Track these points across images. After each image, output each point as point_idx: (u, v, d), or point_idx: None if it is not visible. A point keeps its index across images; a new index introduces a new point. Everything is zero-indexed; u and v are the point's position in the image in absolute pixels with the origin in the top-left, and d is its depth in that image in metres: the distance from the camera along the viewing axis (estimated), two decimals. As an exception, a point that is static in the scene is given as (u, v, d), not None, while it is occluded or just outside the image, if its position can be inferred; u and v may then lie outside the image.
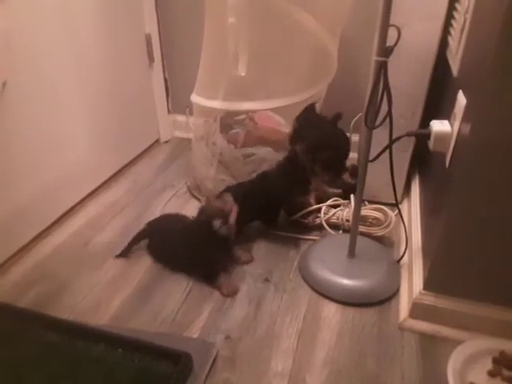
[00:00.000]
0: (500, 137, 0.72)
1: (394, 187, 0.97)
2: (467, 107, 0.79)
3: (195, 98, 1.29)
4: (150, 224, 1.18)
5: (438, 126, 0.87)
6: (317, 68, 1.22)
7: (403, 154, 1.25)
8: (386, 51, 0.79)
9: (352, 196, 1.21)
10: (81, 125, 1.35)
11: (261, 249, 1.19)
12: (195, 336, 0.93)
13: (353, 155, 1.12)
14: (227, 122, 1.35)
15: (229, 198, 1.04)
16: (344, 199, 1.26)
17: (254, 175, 1.24)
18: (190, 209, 1.35)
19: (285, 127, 1.33)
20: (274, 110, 1.33)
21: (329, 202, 1.26)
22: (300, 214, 1.25)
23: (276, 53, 1.17)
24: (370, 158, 0.93)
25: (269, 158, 1.31)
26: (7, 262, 1.13)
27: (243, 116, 1.34)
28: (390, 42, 0.79)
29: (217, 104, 1.22)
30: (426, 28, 1.07)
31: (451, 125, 0.86)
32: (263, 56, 1.16)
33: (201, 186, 1.39)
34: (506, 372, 0.81)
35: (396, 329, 0.94)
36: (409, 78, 1.13)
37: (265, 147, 1.31)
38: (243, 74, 1.10)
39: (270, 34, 1.13)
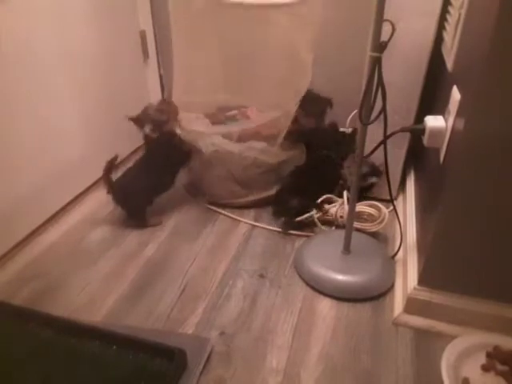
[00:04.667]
0: (494, 132, 0.72)
1: (389, 183, 0.97)
2: (461, 102, 0.79)
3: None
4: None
5: (433, 121, 0.87)
6: (290, 77, 1.24)
7: (398, 150, 1.25)
8: (380, 46, 0.79)
9: (345, 192, 1.22)
10: (76, 121, 1.34)
11: (256, 245, 1.19)
12: (190, 332, 0.93)
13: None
14: (219, 117, 1.34)
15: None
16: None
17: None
18: (187, 206, 1.36)
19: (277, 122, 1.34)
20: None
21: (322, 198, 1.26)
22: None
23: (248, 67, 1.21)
24: (365, 153, 0.93)
25: (264, 152, 1.31)
26: (2, 259, 1.13)
27: (235, 111, 1.34)
28: (384, 38, 0.79)
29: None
30: (421, 23, 1.07)
31: (445, 120, 0.86)
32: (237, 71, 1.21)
33: (197, 182, 1.39)
34: (499, 366, 0.81)
35: (390, 324, 0.94)
36: (403, 74, 1.12)
37: (260, 142, 1.31)
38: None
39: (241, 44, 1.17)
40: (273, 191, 1.33)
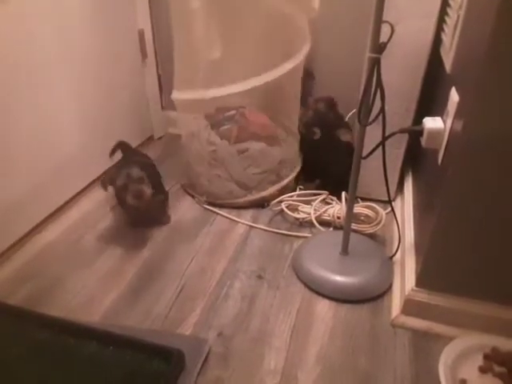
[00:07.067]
0: (492, 134, 0.72)
1: (387, 184, 0.97)
2: (460, 104, 0.79)
3: (176, 94, 1.29)
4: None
5: (431, 122, 0.87)
6: (288, 42, 1.24)
7: (396, 151, 1.25)
8: (379, 48, 0.79)
9: (344, 193, 1.22)
10: (73, 121, 1.34)
11: (254, 245, 1.19)
12: (188, 333, 0.93)
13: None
14: (217, 118, 1.34)
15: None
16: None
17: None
18: (185, 206, 1.35)
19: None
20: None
21: (320, 199, 1.27)
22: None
23: (244, 32, 1.19)
24: (363, 154, 0.93)
25: (263, 152, 1.31)
26: (-2, 259, 1.12)
27: (233, 112, 1.33)
28: (383, 39, 0.79)
29: (198, 94, 1.23)
30: (420, 24, 1.07)
31: (444, 122, 0.86)
32: (233, 37, 1.19)
33: (196, 183, 1.39)
34: (496, 368, 0.81)
35: (388, 325, 0.94)
36: (402, 75, 1.12)
37: (258, 142, 1.31)
38: (217, 56, 1.15)
39: (234, 12, 1.17)
40: (270, 191, 1.33)
